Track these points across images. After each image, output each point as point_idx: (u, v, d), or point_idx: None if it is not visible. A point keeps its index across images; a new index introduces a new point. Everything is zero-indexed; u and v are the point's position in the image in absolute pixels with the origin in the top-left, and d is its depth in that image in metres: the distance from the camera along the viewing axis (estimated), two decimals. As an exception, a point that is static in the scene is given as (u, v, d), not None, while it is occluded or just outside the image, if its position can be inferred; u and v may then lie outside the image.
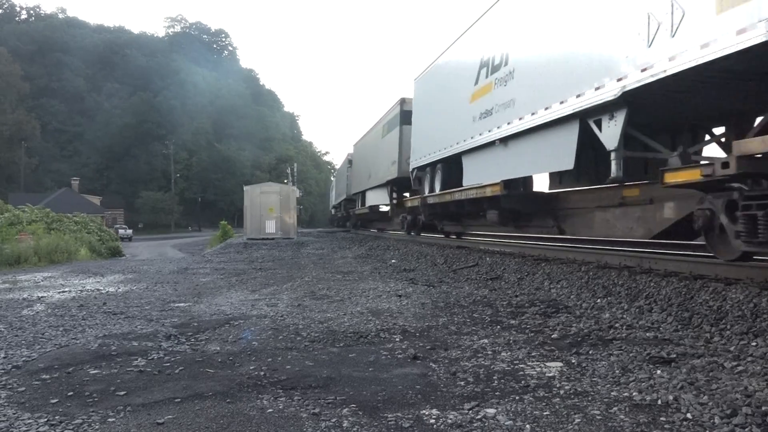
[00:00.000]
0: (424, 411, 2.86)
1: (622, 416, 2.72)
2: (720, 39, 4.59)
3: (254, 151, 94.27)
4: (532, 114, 8.33)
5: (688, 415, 2.67)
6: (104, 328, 5.18)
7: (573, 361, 3.76)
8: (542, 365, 3.68)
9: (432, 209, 14.92)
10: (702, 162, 5.77)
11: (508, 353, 4.02)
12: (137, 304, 6.78)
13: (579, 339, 4.39)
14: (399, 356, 4.03)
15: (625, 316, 5.06)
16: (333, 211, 49.29)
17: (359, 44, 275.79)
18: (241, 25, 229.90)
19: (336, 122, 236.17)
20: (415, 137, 16.13)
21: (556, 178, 9.99)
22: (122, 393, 3.20)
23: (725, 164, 4.75)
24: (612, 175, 6.50)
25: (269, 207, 24.48)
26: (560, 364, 3.71)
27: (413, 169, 16.08)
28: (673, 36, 5.21)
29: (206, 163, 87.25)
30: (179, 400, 3.09)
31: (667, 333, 4.39)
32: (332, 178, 59.96)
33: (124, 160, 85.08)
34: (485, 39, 10.71)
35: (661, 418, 2.67)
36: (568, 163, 7.58)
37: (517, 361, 3.80)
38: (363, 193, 26.48)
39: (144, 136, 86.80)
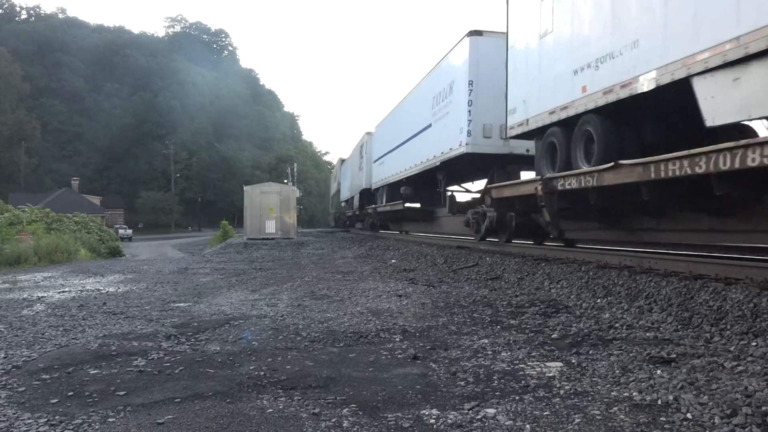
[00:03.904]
0: (424, 411, 2.86)
1: (622, 416, 2.72)
2: None
3: (254, 151, 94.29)
4: None
5: (688, 415, 2.67)
6: (104, 328, 5.18)
7: (573, 361, 3.76)
8: (542, 365, 3.68)
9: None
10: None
11: (508, 353, 4.02)
12: (137, 304, 6.78)
13: (579, 339, 4.39)
14: (399, 356, 4.03)
15: (625, 316, 5.06)
16: (337, 209, 41.12)
17: (359, 44, 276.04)
18: (241, 25, 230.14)
19: (336, 122, 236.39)
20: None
21: None
22: (122, 393, 3.20)
23: None
24: None
25: (269, 207, 24.48)
26: (560, 364, 3.71)
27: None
28: None
29: (206, 163, 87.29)
30: (179, 400, 3.09)
31: (667, 333, 4.39)
32: (333, 173, 49.68)
33: (124, 160, 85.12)
34: None
35: (661, 418, 2.67)
36: None
37: (517, 361, 3.80)
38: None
39: (144, 136, 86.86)
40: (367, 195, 25.97)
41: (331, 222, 47.91)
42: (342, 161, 38.13)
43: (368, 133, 25.26)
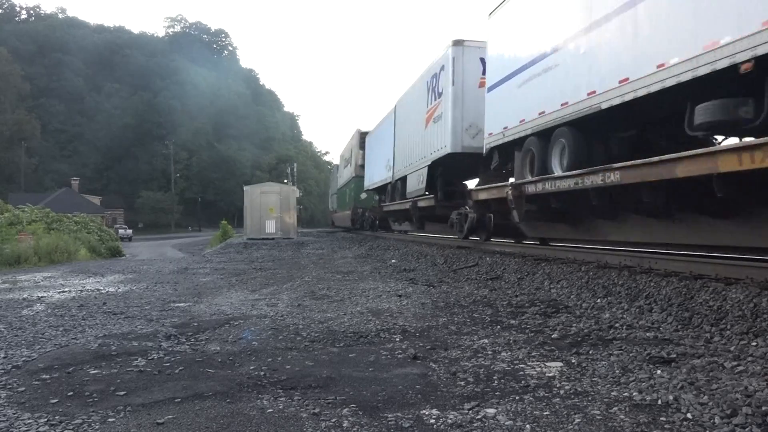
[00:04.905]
0: (424, 411, 2.86)
1: (622, 416, 2.72)
2: None
3: (254, 151, 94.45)
4: None
5: (688, 415, 2.67)
6: (104, 328, 5.18)
7: (573, 361, 3.76)
8: (542, 365, 3.68)
9: None
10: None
11: (508, 353, 4.02)
12: (137, 304, 6.78)
13: (579, 339, 4.39)
14: (399, 356, 4.03)
15: (625, 316, 5.06)
16: (355, 203, 28.80)
17: (359, 44, 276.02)
18: (241, 25, 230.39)
19: (336, 122, 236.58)
20: None
21: None
22: (122, 393, 3.20)
23: None
24: None
25: (269, 207, 24.50)
26: (560, 364, 3.70)
27: None
28: None
29: (206, 163, 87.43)
30: (179, 400, 3.08)
31: (667, 333, 4.39)
32: (341, 157, 36.75)
33: (124, 160, 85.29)
34: None
35: (661, 418, 2.67)
36: None
37: (517, 361, 3.80)
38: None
39: (144, 136, 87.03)
40: (447, 168, 14.39)
41: (337, 222, 37.43)
42: (363, 135, 27.24)
43: (459, 43, 12.81)
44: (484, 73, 12.07)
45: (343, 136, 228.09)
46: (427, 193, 15.63)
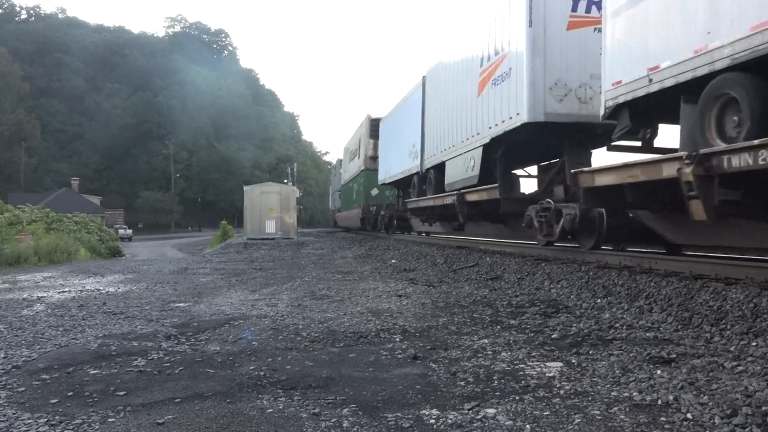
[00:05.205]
0: (424, 411, 2.86)
1: (622, 416, 2.72)
2: None
3: (254, 151, 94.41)
4: None
5: (689, 415, 2.67)
6: (104, 328, 5.18)
7: (573, 361, 3.76)
8: (542, 365, 3.68)
9: None
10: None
11: (508, 353, 4.02)
12: (137, 304, 6.78)
13: (579, 339, 4.39)
14: (399, 356, 4.03)
15: (625, 316, 5.06)
16: (367, 200, 24.71)
17: (359, 44, 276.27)
18: (241, 25, 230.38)
19: (336, 122, 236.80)
20: None
21: None
22: (122, 393, 3.20)
23: None
24: None
25: (269, 207, 24.51)
26: (560, 364, 3.70)
27: None
28: None
29: (206, 163, 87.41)
30: (179, 400, 3.08)
31: (667, 333, 4.39)
32: (345, 150, 32.31)
33: (124, 160, 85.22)
34: None
35: (662, 418, 2.67)
36: None
37: (517, 361, 3.80)
38: None
39: (144, 136, 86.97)
40: (512, 148, 10.58)
41: (341, 222, 33.76)
42: (375, 121, 23.61)
43: None
44: (574, 8, 9.04)
45: (344, 136, 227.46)
46: (478, 183, 11.42)
